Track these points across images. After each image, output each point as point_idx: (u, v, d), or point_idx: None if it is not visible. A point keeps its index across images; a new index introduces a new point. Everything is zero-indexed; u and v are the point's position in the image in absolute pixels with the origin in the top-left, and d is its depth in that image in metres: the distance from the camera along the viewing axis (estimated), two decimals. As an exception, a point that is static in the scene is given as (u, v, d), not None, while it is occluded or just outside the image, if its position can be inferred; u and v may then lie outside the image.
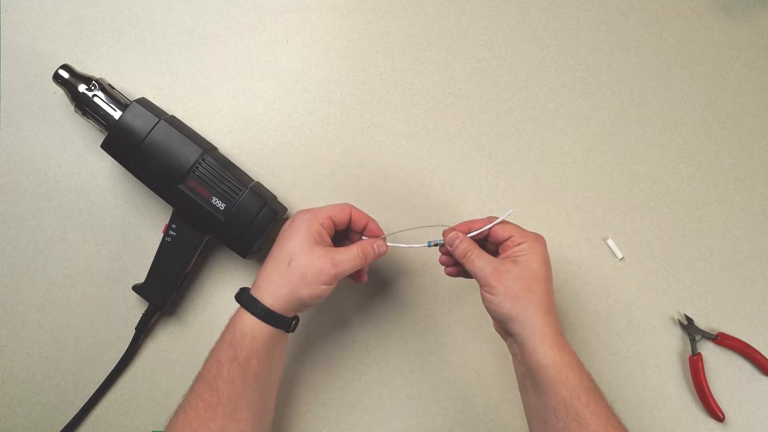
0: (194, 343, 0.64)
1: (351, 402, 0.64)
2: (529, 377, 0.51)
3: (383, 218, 0.65)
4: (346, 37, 0.68)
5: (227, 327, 0.52)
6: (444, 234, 0.55)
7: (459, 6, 0.69)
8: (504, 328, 0.53)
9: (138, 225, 0.65)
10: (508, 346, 0.55)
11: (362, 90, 0.67)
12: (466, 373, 0.64)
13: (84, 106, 0.58)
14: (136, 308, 0.64)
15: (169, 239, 0.60)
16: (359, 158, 0.66)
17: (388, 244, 0.56)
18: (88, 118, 0.59)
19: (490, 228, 0.54)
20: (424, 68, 0.68)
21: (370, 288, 0.65)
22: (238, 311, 0.52)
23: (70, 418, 0.62)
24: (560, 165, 0.67)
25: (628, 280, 0.66)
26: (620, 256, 0.66)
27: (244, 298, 0.51)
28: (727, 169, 0.68)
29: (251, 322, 0.50)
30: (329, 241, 0.54)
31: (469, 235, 0.54)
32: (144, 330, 0.63)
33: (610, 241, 0.66)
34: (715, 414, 0.63)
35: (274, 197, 0.63)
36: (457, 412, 0.64)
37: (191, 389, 0.51)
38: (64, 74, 0.59)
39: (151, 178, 0.58)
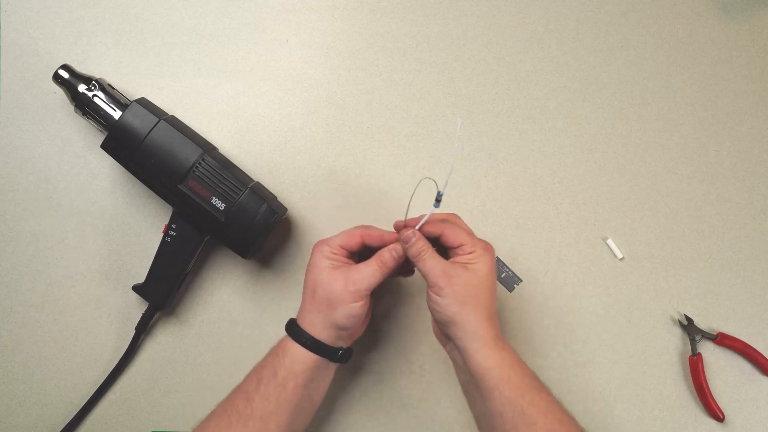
0: (194, 343, 0.64)
1: (351, 402, 0.64)
2: (473, 383, 0.51)
3: (383, 218, 0.64)
4: (346, 37, 0.68)
5: (274, 348, 0.54)
6: (400, 232, 0.54)
7: (459, 6, 0.69)
8: (445, 331, 0.53)
9: (138, 225, 0.65)
10: (448, 352, 0.55)
11: (362, 90, 0.67)
12: (466, 373, 0.64)
13: (84, 106, 0.58)
14: (136, 308, 0.64)
15: (169, 239, 0.61)
16: (359, 158, 0.66)
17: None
18: (88, 118, 0.59)
19: (439, 224, 0.54)
20: (424, 68, 0.68)
21: (370, 288, 0.65)
22: (285, 338, 0.54)
23: (70, 418, 0.62)
24: (560, 165, 0.67)
25: (628, 280, 0.66)
26: (620, 256, 0.66)
27: (292, 328, 0.54)
28: (727, 169, 0.68)
29: (294, 347, 0.52)
30: (347, 260, 0.55)
31: (417, 227, 0.54)
32: (144, 330, 0.63)
33: (610, 241, 0.66)
34: (715, 414, 0.63)
35: (274, 197, 0.63)
36: (457, 412, 0.64)
37: (228, 398, 0.53)
38: (64, 74, 0.59)
39: (151, 178, 0.58)
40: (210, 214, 0.58)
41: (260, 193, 0.60)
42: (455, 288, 0.50)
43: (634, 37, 0.69)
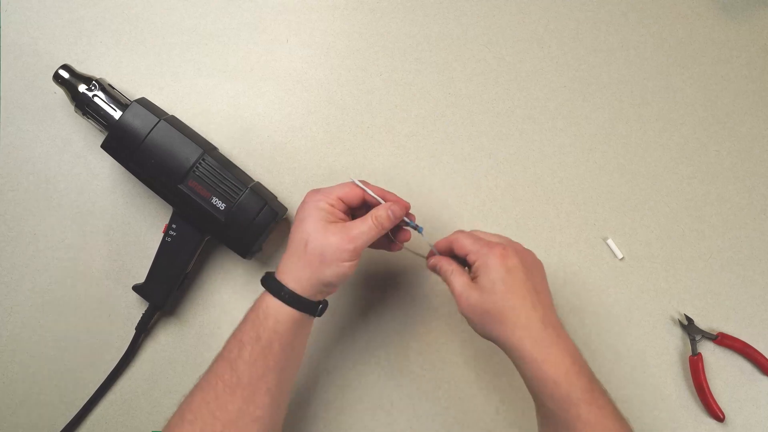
0: (194, 343, 0.64)
1: (351, 402, 0.64)
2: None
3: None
4: (346, 37, 0.68)
5: (251, 308, 0.51)
6: (427, 265, 0.56)
7: (459, 6, 0.69)
8: None
9: (138, 225, 0.65)
10: None
11: (362, 90, 0.67)
12: (466, 373, 0.64)
13: (84, 106, 0.58)
14: (136, 308, 0.64)
15: (169, 239, 0.60)
16: (359, 158, 0.66)
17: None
18: (88, 118, 0.59)
19: (450, 238, 0.55)
20: (424, 68, 0.68)
21: (370, 288, 0.65)
22: (262, 294, 0.51)
23: (70, 418, 0.62)
24: (560, 165, 0.67)
25: (628, 280, 0.66)
26: (620, 256, 0.66)
27: (269, 281, 0.51)
28: (727, 169, 0.68)
29: (275, 305, 0.49)
30: (344, 216, 0.52)
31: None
32: (144, 330, 0.63)
33: (610, 241, 0.66)
34: (715, 414, 0.63)
35: (275, 197, 0.63)
36: (457, 412, 0.64)
37: (210, 368, 0.50)
38: (64, 74, 0.59)
39: (151, 178, 0.58)
40: (210, 214, 0.58)
41: (260, 193, 0.60)
42: (469, 312, 0.50)
43: (634, 37, 0.69)
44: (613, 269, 0.66)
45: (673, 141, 0.68)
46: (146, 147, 0.57)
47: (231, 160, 0.63)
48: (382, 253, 0.62)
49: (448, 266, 0.53)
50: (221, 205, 0.58)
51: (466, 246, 0.52)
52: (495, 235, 0.55)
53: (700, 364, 0.64)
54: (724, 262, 0.67)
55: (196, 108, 0.66)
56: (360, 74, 0.67)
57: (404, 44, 0.68)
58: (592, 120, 0.68)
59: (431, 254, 0.56)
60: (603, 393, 0.49)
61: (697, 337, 0.64)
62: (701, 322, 0.65)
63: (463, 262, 0.54)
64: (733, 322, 0.66)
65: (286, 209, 0.63)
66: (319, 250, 0.49)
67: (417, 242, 0.57)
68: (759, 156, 0.68)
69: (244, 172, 0.63)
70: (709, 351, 0.65)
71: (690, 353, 0.64)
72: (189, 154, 0.58)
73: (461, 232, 0.54)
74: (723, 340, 0.64)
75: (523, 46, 0.69)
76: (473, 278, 0.51)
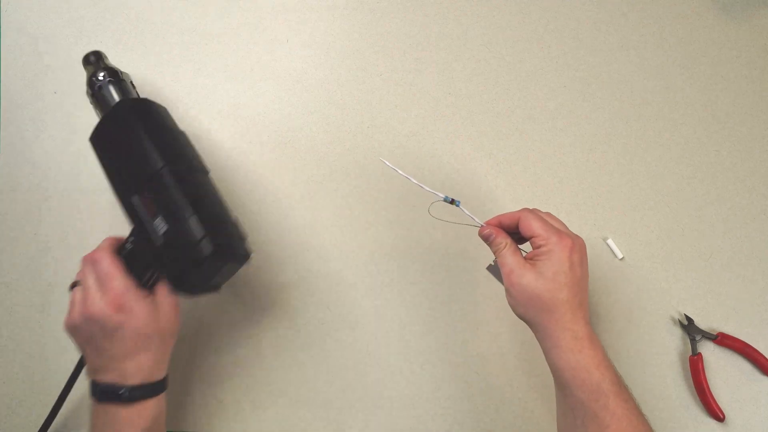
0: (193, 342, 0.64)
1: (351, 402, 0.64)
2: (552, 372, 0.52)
3: (383, 218, 0.65)
4: (346, 37, 0.68)
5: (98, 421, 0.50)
6: (480, 231, 0.55)
7: (459, 6, 0.69)
8: None
9: (138, 225, 0.65)
10: None
11: (362, 90, 0.67)
12: (466, 373, 0.64)
13: (92, 95, 0.55)
14: (136, 308, 0.64)
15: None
16: (359, 158, 0.66)
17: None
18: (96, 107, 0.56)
19: (517, 213, 0.54)
20: (424, 68, 0.68)
21: (370, 288, 0.65)
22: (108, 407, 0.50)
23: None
24: (560, 165, 0.67)
25: (628, 280, 0.66)
26: (620, 256, 0.66)
27: (109, 392, 0.50)
28: (727, 169, 0.68)
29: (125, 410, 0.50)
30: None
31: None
32: (144, 330, 0.62)
33: (610, 241, 0.66)
34: (715, 414, 0.63)
35: (243, 238, 0.53)
36: (457, 412, 0.64)
37: None
38: (93, 59, 0.56)
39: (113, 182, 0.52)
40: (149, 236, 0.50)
41: (210, 224, 0.49)
42: (517, 290, 0.50)
43: (634, 37, 0.69)
44: (613, 269, 0.66)
45: (673, 141, 0.68)
46: (111, 149, 0.52)
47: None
48: (383, 253, 0.62)
49: (503, 240, 0.53)
50: (163, 228, 0.49)
51: (534, 228, 0.52)
52: (555, 218, 0.55)
53: (700, 364, 0.64)
54: (724, 262, 0.67)
55: (196, 108, 0.66)
56: (360, 74, 0.67)
57: (404, 44, 0.68)
58: (592, 120, 0.68)
59: (484, 229, 0.55)
60: (627, 388, 0.50)
61: (697, 337, 0.64)
62: (701, 322, 0.65)
63: (519, 239, 0.54)
64: (733, 322, 0.66)
65: (249, 254, 0.53)
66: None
67: (459, 215, 0.55)
68: (759, 156, 0.68)
69: (221, 202, 0.53)
70: (709, 351, 0.65)
71: (690, 353, 0.65)
72: (148, 164, 0.49)
73: (528, 210, 0.54)
74: (723, 340, 0.64)
75: (523, 46, 0.69)
76: (530, 259, 0.51)
